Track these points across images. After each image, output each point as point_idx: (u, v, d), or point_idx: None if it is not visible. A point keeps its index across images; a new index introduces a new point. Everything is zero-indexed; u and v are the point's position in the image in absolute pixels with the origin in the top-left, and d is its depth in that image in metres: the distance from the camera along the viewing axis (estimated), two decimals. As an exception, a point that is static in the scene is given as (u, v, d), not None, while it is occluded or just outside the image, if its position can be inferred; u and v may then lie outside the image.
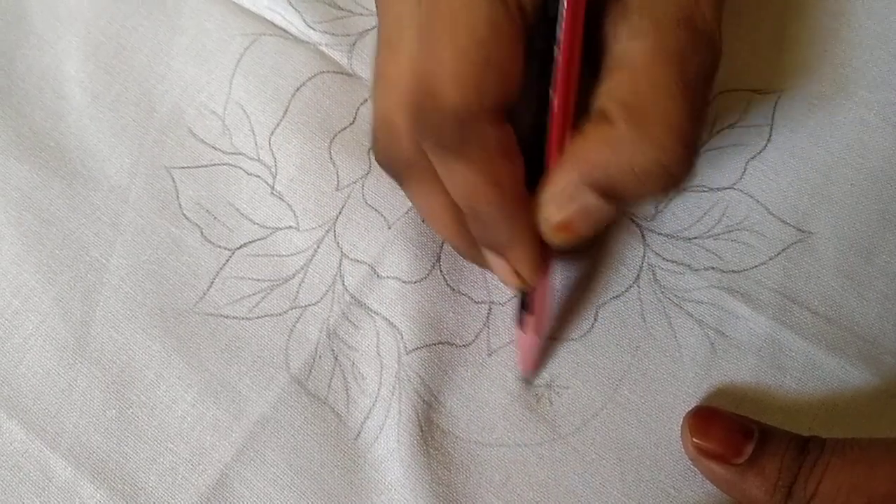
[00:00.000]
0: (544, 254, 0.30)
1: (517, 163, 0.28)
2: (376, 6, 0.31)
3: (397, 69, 0.29)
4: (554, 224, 0.28)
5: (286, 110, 0.37)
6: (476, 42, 0.25)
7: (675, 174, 0.27)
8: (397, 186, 0.35)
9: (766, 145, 0.36)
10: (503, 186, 0.28)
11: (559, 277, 0.35)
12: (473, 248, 0.31)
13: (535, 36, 0.27)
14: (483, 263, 0.32)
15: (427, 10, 0.27)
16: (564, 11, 0.26)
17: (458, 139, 0.26)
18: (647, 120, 0.26)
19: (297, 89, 0.37)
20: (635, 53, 0.27)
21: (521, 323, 0.33)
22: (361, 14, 0.38)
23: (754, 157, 0.36)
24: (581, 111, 0.28)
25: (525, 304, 0.32)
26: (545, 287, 0.31)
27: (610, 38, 0.27)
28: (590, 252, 0.35)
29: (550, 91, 0.27)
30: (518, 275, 0.30)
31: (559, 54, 0.27)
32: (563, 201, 0.28)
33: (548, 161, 0.28)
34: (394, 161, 0.31)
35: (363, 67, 0.37)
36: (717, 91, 0.36)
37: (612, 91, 0.27)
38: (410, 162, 0.30)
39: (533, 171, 0.29)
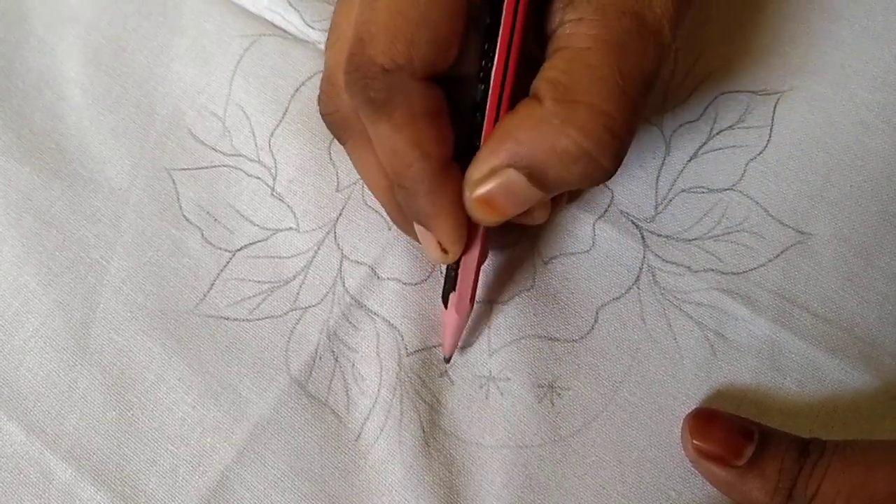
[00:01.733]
0: (471, 230, 0.30)
1: (445, 130, 0.28)
2: None
3: (346, 24, 0.29)
4: (476, 198, 0.28)
5: (286, 111, 0.37)
6: (413, 0, 0.26)
7: (598, 161, 0.26)
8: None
9: (766, 147, 0.36)
10: (426, 150, 0.27)
11: (559, 278, 0.35)
12: (403, 216, 0.31)
13: (483, 10, 0.27)
14: (412, 234, 0.31)
15: None
16: None
17: (384, 94, 0.26)
18: (574, 101, 0.26)
19: (297, 89, 0.37)
20: (577, 38, 0.27)
21: (445, 300, 0.33)
22: (361, 14, 0.38)
23: (754, 158, 0.36)
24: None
25: (451, 281, 0.32)
26: (470, 265, 0.31)
27: (556, 22, 0.27)
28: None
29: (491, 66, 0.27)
30: (441, 248, 0.30)
31: (500, 30, 0.27)
32: (487, 176, 0.27)
33: (483, 135, 0.28)
34: (333, 117, 0.31)
35: (363, 68, 0.37)
36: (716, 92, 0.36)
37: (547, 71, 0.27)
38: (348, 119, 0.30)
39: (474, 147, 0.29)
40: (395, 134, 0.27)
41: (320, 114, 0.31)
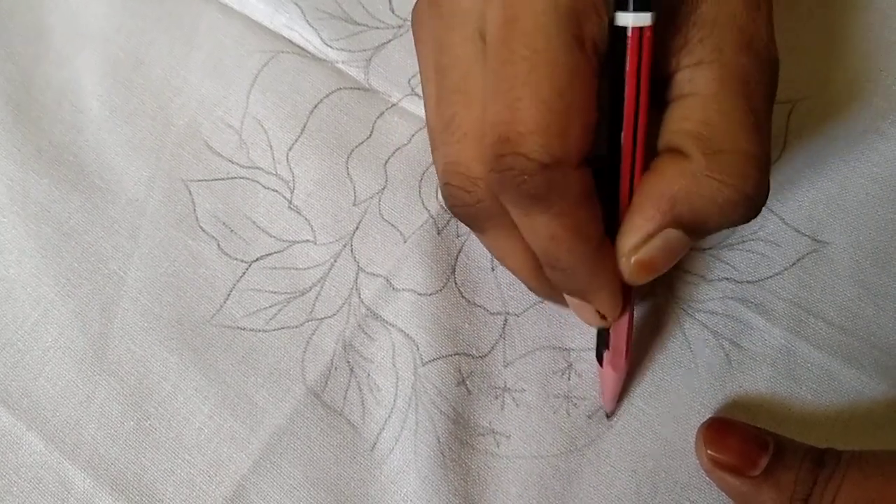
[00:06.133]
0: (624, 291, 0.29)
1: (596, 207, 0.27)
2: (420, 43, 0.30)
3: (470, 117, 0.27)
4: (635, 263, 0.28)
5: (304, 127, 0.37)
6: (557, 91, 0.25)
7: (755, 200, 0.27)
8: (413, 202, 0.36)
9: (781, 155, 0.36)
10: (584, 234, 0.27)
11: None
12: (552, 291, 0.31)
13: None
14: (562, 303, 0.31)
15: (500, 57, 0.26)
16: (629, 48, 0.26)
17: (544, 191, 0.26)
18: (725, 151, 0.26)
19: (315, 106, 0.37)
20: (701, 83, 0.26)
21: (600, 358, 0.32)
22: (377, 28, 0.38)
23: (768, 166, 0.36)
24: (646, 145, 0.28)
25: (603, 340, 0.32)
26: (623, 322, 0.31)
27: (672, 66, 0.27)
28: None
29: (620, 132, 0.27)
30: (600, 315, 0.30)
31: (626, 93, 0.26)
32: (645, 240, 0.27)
33: (622, 201, 0.28)
34: (471, 211, 0.29)
35: (379, 82, 0.37)
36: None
37: (681, 123, 0.27)
38: (489, 212, 0.29)
39: (606, 211, 0.28)
40: (554, 222, 0.27)
41: (449, 207, 0.30)
